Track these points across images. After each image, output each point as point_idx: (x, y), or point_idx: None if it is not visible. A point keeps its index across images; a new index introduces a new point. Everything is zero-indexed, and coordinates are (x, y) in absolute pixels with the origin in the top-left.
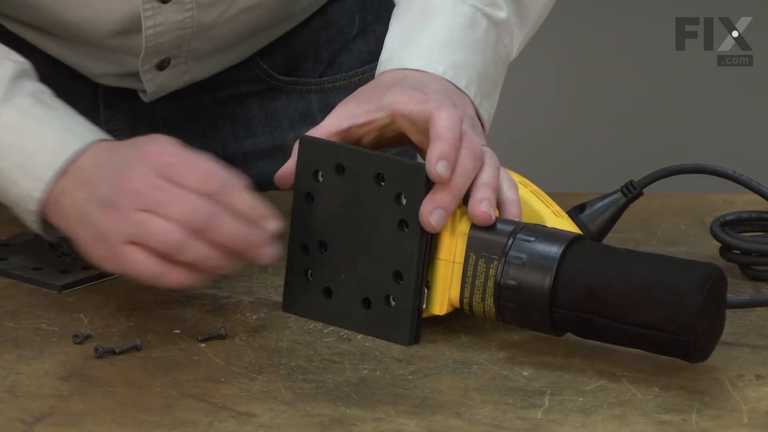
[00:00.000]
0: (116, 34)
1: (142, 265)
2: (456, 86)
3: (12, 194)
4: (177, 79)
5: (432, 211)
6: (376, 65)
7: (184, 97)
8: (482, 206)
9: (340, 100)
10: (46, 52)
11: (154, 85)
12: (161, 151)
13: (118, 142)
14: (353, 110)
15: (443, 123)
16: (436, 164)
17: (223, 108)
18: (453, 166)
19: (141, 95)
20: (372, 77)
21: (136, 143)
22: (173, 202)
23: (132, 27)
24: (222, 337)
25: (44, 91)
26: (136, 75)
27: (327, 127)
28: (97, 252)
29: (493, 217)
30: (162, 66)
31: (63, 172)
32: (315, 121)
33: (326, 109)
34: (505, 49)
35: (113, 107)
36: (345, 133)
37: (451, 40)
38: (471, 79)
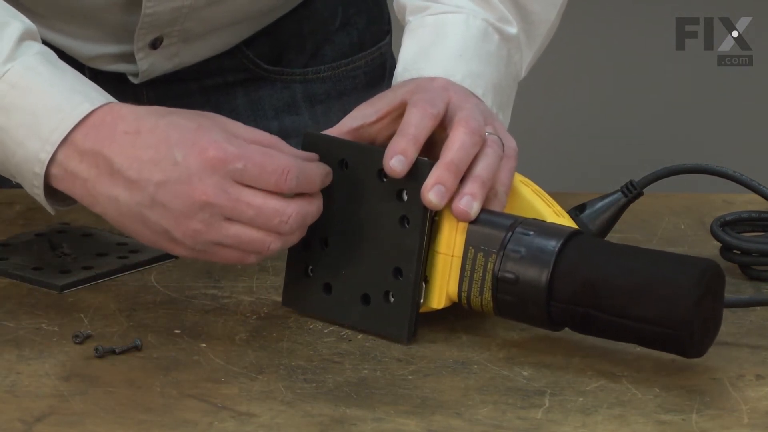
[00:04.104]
0: (118, 5)
1: (235, 258)
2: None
3: (17, 156)
4: (167, 61)
5: (432, 186)
6: (360, 57)
7: (172, 84)
8: (462, 202)
9: (324, 91)
10: None
11: (146, 63)
12: (224, 155)
13: (132, 108)
14: (365, 110)
15: (408, 119)
16: (391, 159)
17: (209, 96)
18: (411, 162)
19: (131, 78)
20: (355, 68)
21: (169, 125)
22: (261, 214)
23: None
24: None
25: (51, 53)
26: (128, 56)
27: (338, 128)
28: (166, 245)
29: (473, 214)
30: (155, 45)
31: (72, 135)
32: (299, 111)
33: (310, 99)
34: (514, 66)
35: None
36: (356, 132)
37: (467, 50)
38: (487, 89)
